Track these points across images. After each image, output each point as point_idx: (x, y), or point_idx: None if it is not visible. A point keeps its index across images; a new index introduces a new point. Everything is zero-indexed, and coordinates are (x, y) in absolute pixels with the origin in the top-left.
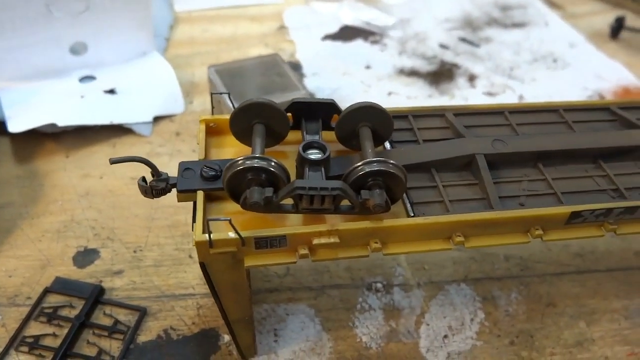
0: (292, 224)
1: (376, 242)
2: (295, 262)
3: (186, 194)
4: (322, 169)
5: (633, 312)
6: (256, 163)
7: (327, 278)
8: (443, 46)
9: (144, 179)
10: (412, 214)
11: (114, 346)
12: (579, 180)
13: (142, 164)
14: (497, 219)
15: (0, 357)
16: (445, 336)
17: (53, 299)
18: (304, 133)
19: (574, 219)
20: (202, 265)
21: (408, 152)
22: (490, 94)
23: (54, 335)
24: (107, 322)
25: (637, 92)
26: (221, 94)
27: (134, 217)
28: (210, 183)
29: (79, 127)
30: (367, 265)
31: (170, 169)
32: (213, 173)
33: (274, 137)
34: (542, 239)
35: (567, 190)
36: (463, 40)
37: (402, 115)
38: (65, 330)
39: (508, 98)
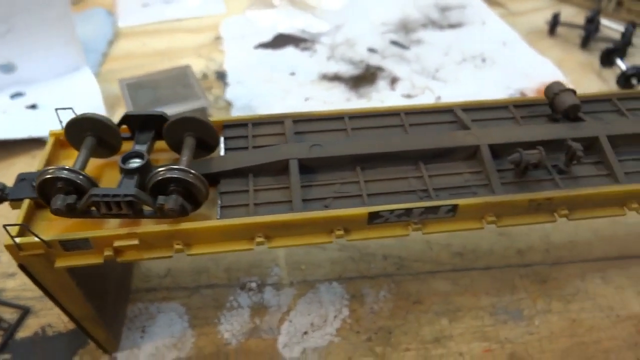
0: (113, 227)
1: (178, 244)
2: (102, 262)
3: (18, 202)
4: (137, 176)
5: (499, 309)
6: (63, 174)
7: (204, 278)
8: (371, 50)
9: None
10: (219, 217)
11: None
12: (393, 182)
13: None
14: (296, 220)
15: None
16: (306, 332)
17: None
18: (135, 143)
19: (375, 219)
20: (22, 267)
21: (230, 158)
22: (409, 95)
23: None
24: None
25: None
26: (65, 109)
27: None
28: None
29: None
30: (246, 266)
31: None
32: None
33: (109, 148)
34: (345, 239)
35: (376, 192)
36: (394, 43)
37: (242, 123)
38: None
39: (426, 99)
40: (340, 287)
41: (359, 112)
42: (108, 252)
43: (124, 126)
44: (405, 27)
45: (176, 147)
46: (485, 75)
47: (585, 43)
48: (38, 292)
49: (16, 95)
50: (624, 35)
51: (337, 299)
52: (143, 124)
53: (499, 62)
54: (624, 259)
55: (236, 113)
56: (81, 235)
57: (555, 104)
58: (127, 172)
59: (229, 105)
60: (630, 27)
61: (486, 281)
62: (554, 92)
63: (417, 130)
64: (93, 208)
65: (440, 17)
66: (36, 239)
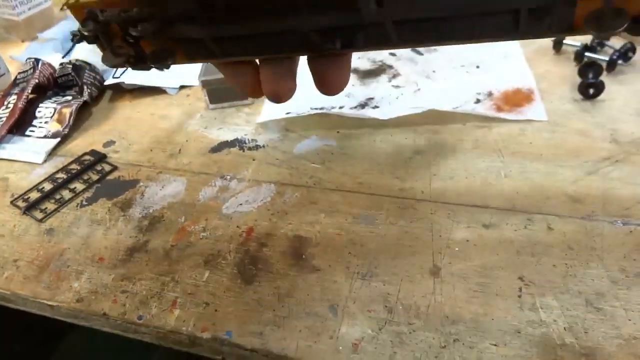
0: None
1: None
2: None
3: None
4: None
5: (361, 217)
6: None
7: (205, 169)
8: (392, 54)
9: None
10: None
11: (93, 177)
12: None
13: None
14: None
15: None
16: (241, 204)
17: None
18: None
19: None
20: None
21: None
22: (397, 86)
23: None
24: (99, 168)
25: (523, 94)
26: None
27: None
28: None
29: (141, 86)
30: (229, 167)
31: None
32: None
33: None
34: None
35: None
36: (413, 50)
37: None
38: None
39: (410, 89)
40: (275, 187)
41: None
42: None
43: None
44: None
45: None
46: (470, 78)
47: (577, 59)
48: (125, 159)
49: None
50: (613, 52)
51: (269, 193)
52: None
53: (490, 69)
54: (477, 207)
55: None
56: None
57: None
58: None
59: None
60: (628, 44)
61: (368, 201)
62: None
63: None
64: None
65: None
66: None
